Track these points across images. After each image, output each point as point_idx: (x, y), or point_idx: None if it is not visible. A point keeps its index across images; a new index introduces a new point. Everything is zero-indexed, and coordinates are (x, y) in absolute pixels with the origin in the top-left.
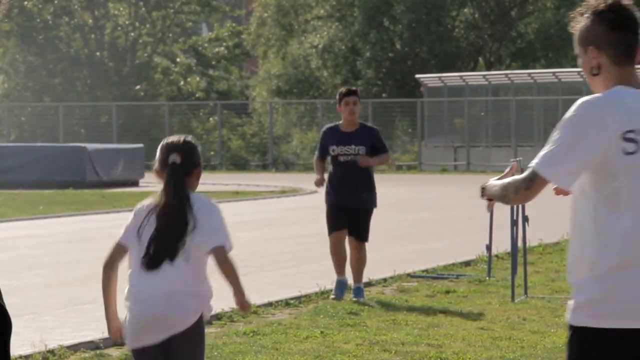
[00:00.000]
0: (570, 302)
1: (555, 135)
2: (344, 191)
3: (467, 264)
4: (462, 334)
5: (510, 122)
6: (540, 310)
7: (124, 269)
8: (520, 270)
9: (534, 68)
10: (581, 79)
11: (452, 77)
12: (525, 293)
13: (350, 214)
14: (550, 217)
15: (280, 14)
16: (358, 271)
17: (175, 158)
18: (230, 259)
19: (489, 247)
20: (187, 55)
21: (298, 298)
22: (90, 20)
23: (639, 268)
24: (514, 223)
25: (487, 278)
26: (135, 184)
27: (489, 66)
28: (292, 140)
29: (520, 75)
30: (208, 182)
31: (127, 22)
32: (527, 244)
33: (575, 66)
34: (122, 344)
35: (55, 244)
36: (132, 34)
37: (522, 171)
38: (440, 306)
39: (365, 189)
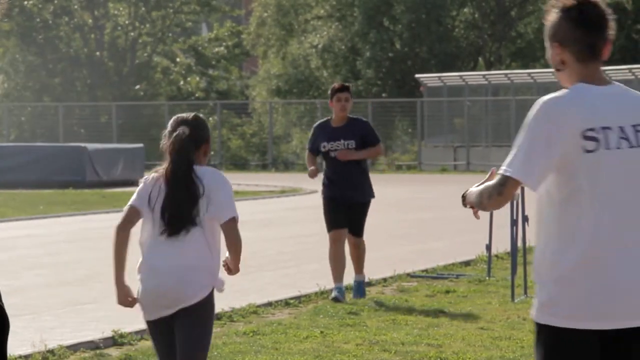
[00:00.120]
0: (534, 300)
1: (519, 138)
2: (338, 187)
3: (467, 263)
4: (462, 334)
5: (510, 122)
6: None
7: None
8: (520, 270)
9: (534, 68)
10: None
11: (452, 77)
12: (525, 293)
13: (346, 208)
14: None
15: (280, 14)
16: (358, 262)
17: (184, 130)
18: (239, 237)
19: (488, 247)
20: (187, 55)
21: (298, 298)
22: (90, 20)
23: (598, 269)
24: (513, 223)
25: (487, 278)
26: (135, 183)
27: (489, 66)
28: (292, 140)
29: (520, 75)
30: None
31: (126, 22)
32: (527, 244)
33: None
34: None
35: (55, 243)
36: (132, 33)
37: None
38: (440, 306)
39: (359, 183)
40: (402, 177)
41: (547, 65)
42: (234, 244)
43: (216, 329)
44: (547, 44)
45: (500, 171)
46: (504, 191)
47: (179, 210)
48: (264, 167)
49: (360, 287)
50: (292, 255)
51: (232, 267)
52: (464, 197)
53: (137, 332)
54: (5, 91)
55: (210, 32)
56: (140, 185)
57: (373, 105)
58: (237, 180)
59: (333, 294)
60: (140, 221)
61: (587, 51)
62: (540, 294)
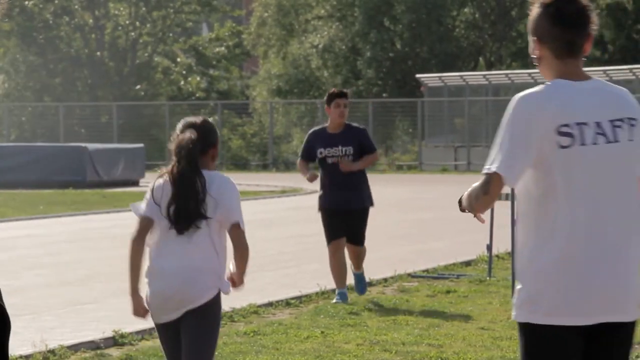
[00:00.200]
0: (514, 298)
1: (498, 137)
2: (336, 194)
3: (467, 263)
4: (462, 334)
5: None
6: None
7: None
8: None
9: (535, 68)
10: None
11: (453, 77)
12: None
13: (345, 217)
14: None
15: (281, 14)
16: (357, 260)
17: (191, 133)
18: (246, 242)
19: (489, 247)
20: (188, 55)
21: (299, 298)
22: (91, 20)
23: (575, 265)
24: (514, 223)
25: (488, 278)
26: (135, 183)
27: (490, 66)
28: (293, 140)
29: (520, 75)
30: None
31: (127, 22)
32: None
33: None
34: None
35: (56, 243)
36: (133, 33)
37: None
38: (440, 306)
39: (357, 188)
40: (403, 177)
41: None
42: (238, 249)
43: None
44: (529, 37)
45: (484, 170)
46: (489, 189)
47: (185, 207)
48: (264, 167)
49: (361, 281)
50: (292, 255)
51: (237, 279)
52: (460, 202)
53: (137, 332)
54: (5, 91)
55: (210, 32)
56: (147, 194)
57: (374, 105)
58: (238, 180)
59: (335, 300)
60: None
61: (565, 48)
62: (520, 292)
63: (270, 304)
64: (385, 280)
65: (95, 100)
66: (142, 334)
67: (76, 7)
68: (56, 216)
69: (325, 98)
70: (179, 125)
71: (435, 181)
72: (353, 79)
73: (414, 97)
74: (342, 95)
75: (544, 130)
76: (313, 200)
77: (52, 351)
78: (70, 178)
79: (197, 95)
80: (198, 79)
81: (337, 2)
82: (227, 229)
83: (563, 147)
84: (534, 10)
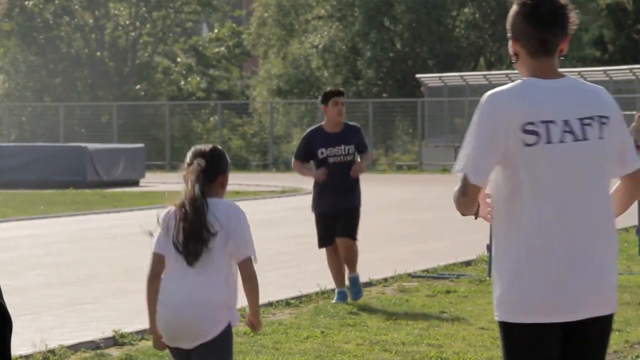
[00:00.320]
0: (494, 298)
1: (467, 134)
2: (335, 193)
3: (467, 263)
4: (462, 334)
5: None
6: None
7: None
8: None
9: None
10: (582, 79)
11: (453, 77)
12: None
13: (340, 216)
14: None
15: (281, 14)
16: (350, 263)
17: (200, 162)
18: (255, 275)
19: (489, 247)
20: (188, 55)
21: (299, 298)
22: (91, 20)
23: (543, 264)
24: None
25: (488, 278)
26: (135, 183)
27: (490, 66)
28: (293, 140)
29: (520, 75)
30: None
31: (127, 22)
32: None
33: (575, 66)
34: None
35: (56, 244)
36: (133, 33)
37: None
38: (440, 306)
39: (352, 188)
40: (403, 177)
41: None
42: (247, 282)
43: None
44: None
45: (454, 170)
46: (467, 191)
47: (192, 237)
48: (264, 167)
49: (355, 285)
50: (292, 255)
51: (255, 322)
52: None
53: (137, 332)
54: (6, 91)
55: (210, 32)
56: (159, 227)
57: (374, 105)
58: (238, 180)
59: (335, 300)
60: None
61: (538, 47)
62: (494, 290)
63: (270, 304)
64: (385, 280)
65: (95, 100)
66: (142, 334)
67: (76, 7)
68: (57, 216)
69: (320, 98)
70: (189, 154)
71: (435, 181)
72: (353, 79)
73: (414, 97)
74: (339, 93)
75: (510, 128)
76: None
77: (52, 351)
78: (71, 178)
79: (197, 95)
80: (198, 79)
81: (337, 2)
82: (238, 261)
83: (528, 145)
84: (512, 8)
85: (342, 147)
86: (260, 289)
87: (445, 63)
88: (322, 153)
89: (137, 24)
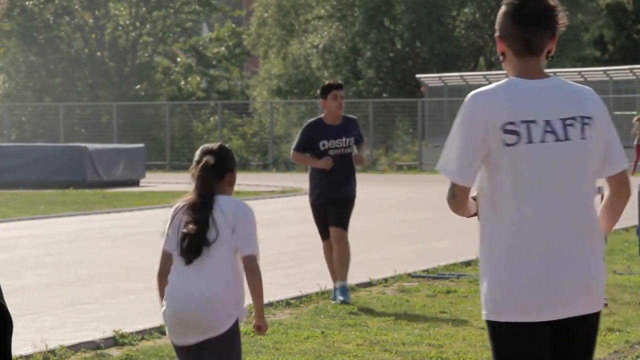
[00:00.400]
0: (480, 297)
1: (450, 134)
2: (334, 184)
3: (467, 263)
4: (462, 334)
5: None
6: None
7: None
8: None
9: None
10: (582, 79)
11: (453, 77)
12: None
13: (336, 205)
14: None
15: (281, 14)
16: (343, 267)
17: (209, 159)
18: (259, 271)
19: None
20: (188, 55)
21: (299, 298)
22: (91, 20)
23: (525, 263)
24: None
25: None
26: (136, 183)
27: (490, 66)
28: (293, 140)
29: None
30: None
31: (127, 22)
32: None
33: (575, 66)
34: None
35: (56, 244)
36: (133, 33)
37: None
38: (441, 306)
39: (352, 179)
40: (403, 177)
41: (547, 66)
42: (253, 286)
43: None
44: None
45: (437, 167)
46: (455, 192)
47: (198, 234)
48: (264, 167)
49: (345, 291)
50: (292, 255)
51: (261, 324)
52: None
53: (138, 332)
54: (6, 91)
55: (211, 32)
56: (168, 223)
57: (374, 105)
58: (238, 180)
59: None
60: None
61: (523, 46)
62: (481, 289)
63: (270, 304)
64: (386, 280)
65: (95, 100)
66: (142, 334)
67: (76, 7)
68: (57, 216)
69: (319, 91)
70: (198, 152)
71: (435, 181)
72: (353, 79)
73: (414, 97)
74: (338, 86)
75: (491, 128)
76: None
77: (52, 351)
78: (71, 178)
79: (197, 95)
80: (198, 79)
81: (337, 2)
82: (242, 256)
83: (508, 144)
84: (501, 8)
85: (344, 139)
86: None
87: (445, 63)
88: (323, 145)
89: (137, 24)
